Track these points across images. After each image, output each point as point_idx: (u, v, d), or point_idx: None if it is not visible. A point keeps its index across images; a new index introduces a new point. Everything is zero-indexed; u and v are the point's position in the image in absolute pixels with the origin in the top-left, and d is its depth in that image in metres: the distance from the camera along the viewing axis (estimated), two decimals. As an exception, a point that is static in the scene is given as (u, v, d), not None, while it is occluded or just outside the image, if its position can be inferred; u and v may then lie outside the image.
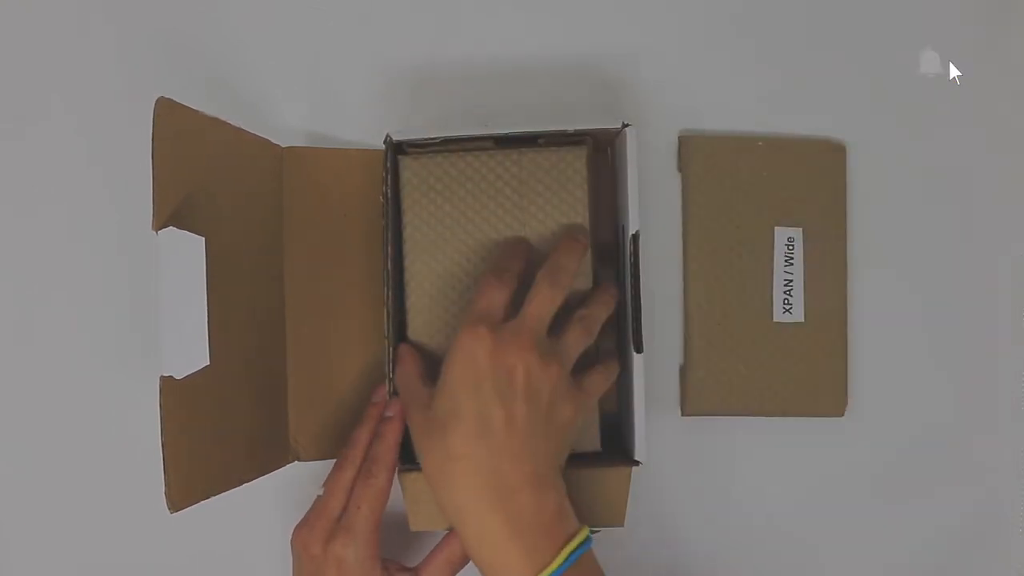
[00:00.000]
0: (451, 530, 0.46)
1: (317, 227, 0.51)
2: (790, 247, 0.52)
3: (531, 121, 0.48)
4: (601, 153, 0.51)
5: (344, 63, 0.53)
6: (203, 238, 0.40)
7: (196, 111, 0.41)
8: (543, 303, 0.43)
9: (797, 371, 0.52)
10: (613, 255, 0.51)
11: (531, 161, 0.47)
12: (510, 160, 0.47)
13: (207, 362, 0.40)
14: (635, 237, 0.46)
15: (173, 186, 0.39)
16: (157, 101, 0.38)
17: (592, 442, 0.48)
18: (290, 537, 0.46)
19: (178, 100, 0.40)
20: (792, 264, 0.52)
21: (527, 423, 0.41)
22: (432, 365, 0.46)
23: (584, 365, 0.45)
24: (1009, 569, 0.55)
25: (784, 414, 0.52)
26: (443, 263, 0.47)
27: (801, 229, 0.52)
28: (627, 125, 0.46)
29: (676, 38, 0.53)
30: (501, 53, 0.53)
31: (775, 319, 0.52)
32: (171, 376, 0.39)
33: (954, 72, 0.54)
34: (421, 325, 0.47)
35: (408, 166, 0.47)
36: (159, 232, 0.38)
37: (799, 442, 0.54)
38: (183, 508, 0.39)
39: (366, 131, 0.52)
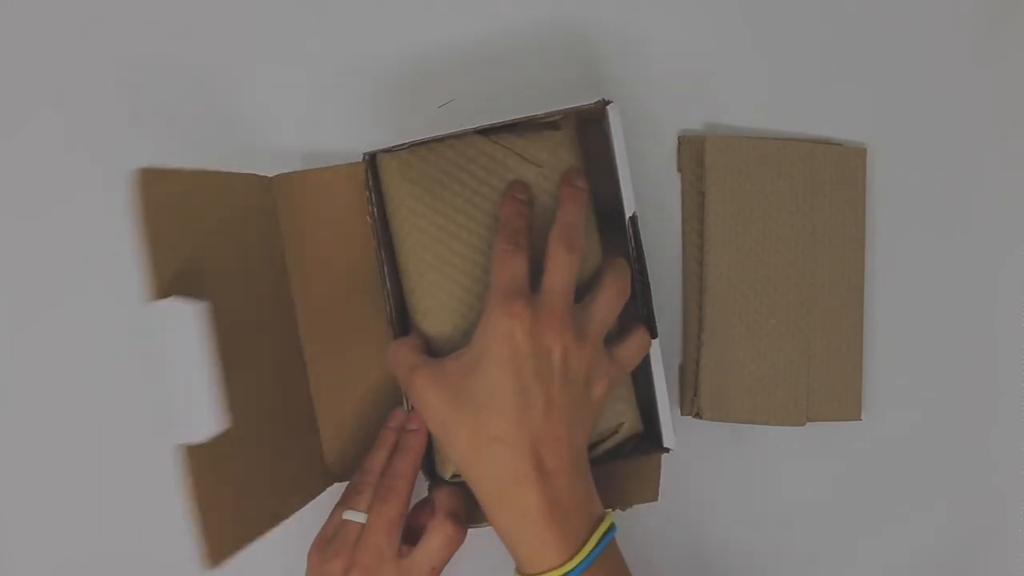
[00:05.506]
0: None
1: (318, 250, 0.49)
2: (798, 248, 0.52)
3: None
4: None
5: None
6: (203, 303, 0.39)
7: (178, 170, 0.40)
8: (564, 271, 0.41)
9: (812, 376, 0.52)
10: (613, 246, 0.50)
11: (513, 144, 0.45)
12: (494, 144, 0.45)
13: (223, 427, 0.39)
14: (633, 219, 0.44)
15: (165, 255, 0.38)
16: (136, 172, 0.37)
17: (633, 424, 0.47)
18: (308, 551, 0.46)
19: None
20: (803, 266, 0.52)
21: (565, 406, 0.40)
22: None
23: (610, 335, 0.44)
24: (1016, 570, 0.55)
25: (802, 422, 0.52)
26: (443, 255, 0.44)
27: (813, 230, 0.52)
28: (608, 102, 0.44)
29: (676, 38, 0.53)
30: (497, 51, 0.52)
31: (784, 322, 0.52)
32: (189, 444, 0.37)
33: (977, 76, 0.54)
34: (431, 319, 0.45)
35: (387, 164, 0.45)
36: (155, 304, 0.37)
37: (801, 442, 0.54)
38: (220, 564, 0.39)
39: (352, 140, 0.51)
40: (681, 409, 0.53)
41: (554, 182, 0.45)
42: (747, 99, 0.53)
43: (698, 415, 0.52)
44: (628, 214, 0.44)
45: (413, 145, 0.45)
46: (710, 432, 0.53)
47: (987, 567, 0.55)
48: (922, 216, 0.54)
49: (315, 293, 0.49)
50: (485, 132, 0.45)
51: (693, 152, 0.52)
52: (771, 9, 0.53)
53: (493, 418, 0.39)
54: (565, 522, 0.39)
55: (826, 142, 0.53)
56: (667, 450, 0.45)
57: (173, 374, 0.37)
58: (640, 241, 0.44)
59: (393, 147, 0.45)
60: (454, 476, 0.45)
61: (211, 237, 0.42)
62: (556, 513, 0.39)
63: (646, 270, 0.45)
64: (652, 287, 0.45)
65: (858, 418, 0.53)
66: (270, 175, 0.48)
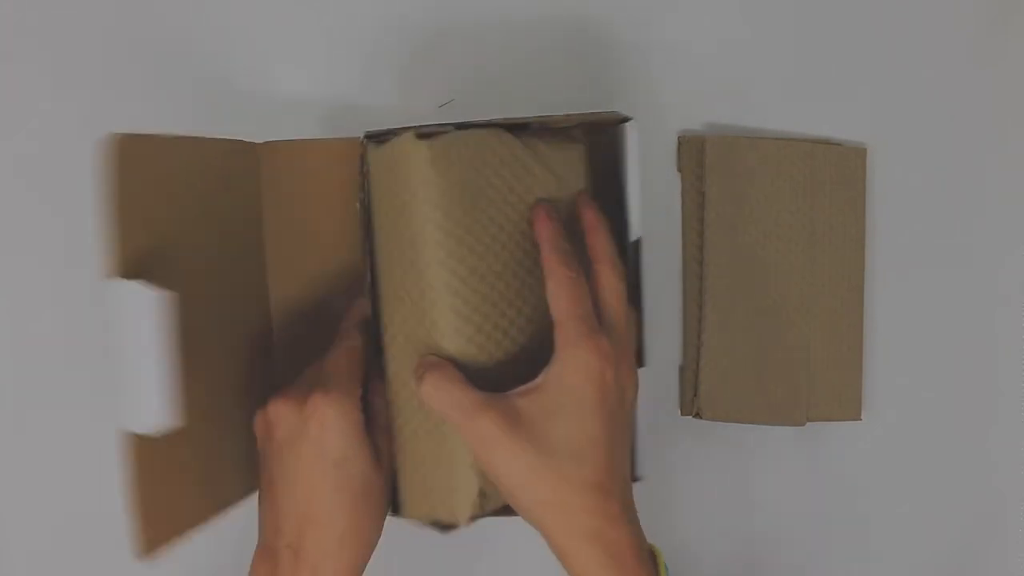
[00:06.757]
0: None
1: (300, 225, 0.47)
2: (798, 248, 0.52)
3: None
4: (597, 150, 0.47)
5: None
6: (169, 292, 0.35)
7: (155, 136, 0.37)
8: (623, 301, 0.40)
9: (812, 376, 0.52)
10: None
11: (539, 151, 0.42)
12: (525, 149, 0.42)
13: (174, 424, 0.36)
14: (636, 244, 0.42)
15: (135, 228, 0.35)
16: (107, 138, 0.34)
17: None
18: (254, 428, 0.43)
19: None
20: (803, 266, 0.52)
21: (628, 442, 0.40)
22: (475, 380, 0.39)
23: None
24: (1016, 570, 0.55)
25: (802, 422, 0.52)
26: (478, 269, 0.39)
27: (813, 230, 0.52)
28: (627, 120, 0.42)
29: (676, 38, 0.53)
30: (499, 46, 0.52)
31: (784, 322, 0.52)
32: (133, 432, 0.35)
33: (977, 76, 0.54)
34: (460, 341, 0.39)
35: (416, 150, 0.38)
36: (116, 283, 0.34)
37: (801, 442, 0.54)
38: (155, 555, 0.37)
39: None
40: (681, 409, 0.53)
41: (567, 197, 0.43)
42: (747, 99, 0.53)
43: (698, 415, 0.52)
44: (633, 238, 0.42)
45: (436, 129, 0.39)
46: (710, 432, 0.53)
47: (987, 567, 0.55)
48: (922, 216, 0.54)
49: (291, 269, 0.47)
50: (509, 129, 0.42)
51: (693, 152, 0.52)
52: (771, 9, 0.53)
53: (590, 465, 0.37)
54: (645, 556, 0.38)
55: (826, 142, 0.53)
56: (637, 479, 0.44)
57: (125, 361, 0.35)
58: (640, 266, 0.43)
59: (416, 127, 0.38)
60: (474, 517, 0.40)
61: (187, 208, 0.40)
62: (640, 549, 0.38)
63: (642, 298, 0.43)
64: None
65: (858, 418, 0.53)
66: (258, 141, 0.46)
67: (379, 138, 0.41)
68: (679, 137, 0.53)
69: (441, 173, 0.38)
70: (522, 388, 0.38)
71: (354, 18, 0.51)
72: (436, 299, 0.39)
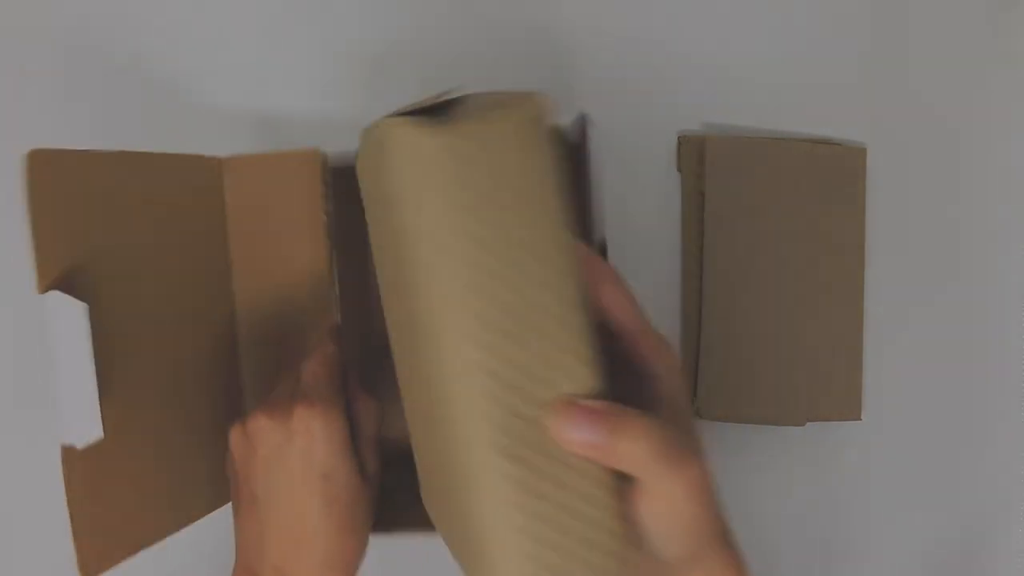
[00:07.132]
0: None
1: (266, 242, 0.47)
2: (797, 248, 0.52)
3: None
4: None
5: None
6: (83, 303, 0.35)
7: (81, 152, 0.37)
8: None
9: (812, 376, 0.52)
10: None
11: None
12: None
13: (100, 437, 0.36)
14: (602, 246, 0.40)
15: (59, 242, 0.36)
16: (27, 155, 0.34)
17: None
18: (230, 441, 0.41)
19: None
20: (803, 266, 0.52)
21: None
22: None
23: None
24: (1016, 570, 0.55)
25: (802, 422, 0.52)
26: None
27: (813, 230, 0.52)
28: (583, 116, 0.40)
29: (676, 38, 0.53)
30: (497, 49, 0.52)
31: (784, 322, 0.52)
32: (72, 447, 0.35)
33: (977, 76, 0.54)
34: (593, 354, 0.31)
35: (429, 141, 0.29)
36: (41, 296, 0.34)
37: (801, 442, 0.54)
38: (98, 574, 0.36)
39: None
40: (681, 409, 0.53)
41: None
42: (747, 99, 0.53)
43: (698, 415, 0.52)
44: (598, 240, 0.40)
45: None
46: (710, 432, 0.53)
47: (987, 567, 0.55)
48: (922, 216, 0.54)
49: (257, 283, 0.47)
50: None
51: (693, 152, 0.52)
52: (771, 9, 0.53)
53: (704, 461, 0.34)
54: None
55: (826, 142, 0.53)
56: None
57: (57, 373, 0.35)
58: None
59: (406, 111, 0.30)
60: None
61: (139, 222, 0.41)
62: None
63: None
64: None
65: (858, 418, 0.53)
66: (221, 156, 0.46)
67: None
68: (679, 137, 0.53)
69: (463, 180, 0.30)
70: (662, 412, 0.34)
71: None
72: (557, 313, 0.30)
